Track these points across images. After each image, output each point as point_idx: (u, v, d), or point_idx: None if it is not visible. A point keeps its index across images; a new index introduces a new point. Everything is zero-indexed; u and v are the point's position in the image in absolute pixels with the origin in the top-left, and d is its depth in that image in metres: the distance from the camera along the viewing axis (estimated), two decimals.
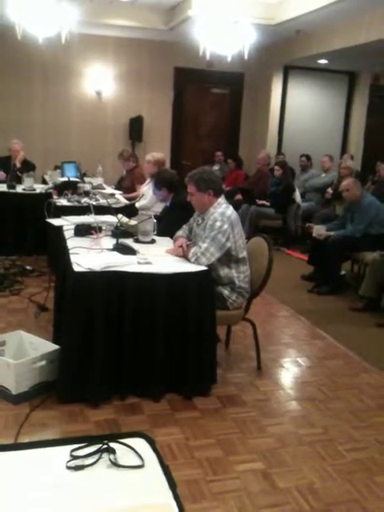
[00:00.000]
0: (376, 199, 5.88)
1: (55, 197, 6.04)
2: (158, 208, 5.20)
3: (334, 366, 4.03)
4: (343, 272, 6.12)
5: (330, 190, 7.84)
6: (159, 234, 4.10)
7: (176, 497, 1.30)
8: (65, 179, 6.61)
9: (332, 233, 5.82)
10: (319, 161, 8.78)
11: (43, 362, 3.23)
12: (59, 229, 4.31)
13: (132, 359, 3.21)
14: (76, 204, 5.72)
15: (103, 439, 1.49)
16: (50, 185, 6.69)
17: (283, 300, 5.46)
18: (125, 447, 1.48)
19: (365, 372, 3.95)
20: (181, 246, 3.62)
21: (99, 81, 9.71)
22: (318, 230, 5.97)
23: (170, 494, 1.32)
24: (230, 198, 6.13)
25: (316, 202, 8.32)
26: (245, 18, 6.42)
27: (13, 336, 3.57)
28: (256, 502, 2.47)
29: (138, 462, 1.42)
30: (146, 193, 5.78)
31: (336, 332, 4.65)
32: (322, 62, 9.40)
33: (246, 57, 6.33)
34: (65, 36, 5.98)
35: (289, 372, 3.93)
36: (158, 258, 3.52)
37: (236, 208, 4.22)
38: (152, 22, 8.67)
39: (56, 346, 3.34)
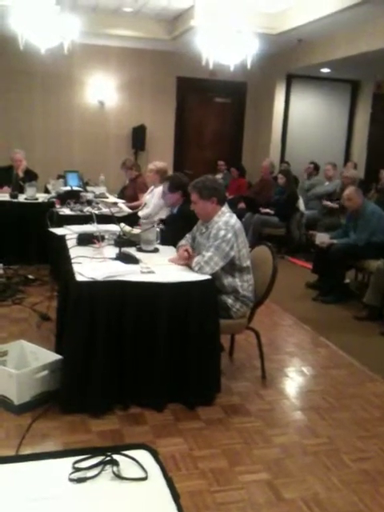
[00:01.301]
0: (378, 207, 5.86)
1: (58, 206, 6.05)
2: (162, 216, 5.18)
3: (339, 375, 4.00)
4: (347, 280, 6.10)
5: (329, 204, 7.82)
6: (162, 243, 4.08)
7: (179, 509, 1.28)
8: (68, 188, 6.62)
9: (335, 241, 5.80)
10: (323, 169, 8.79)
11: (45, 372, 3.21)
12: (62, 238, 4.31)
13: (135, 369, 3.18)
14: (79, 213, 5.72)
15: (106, 451, 1.47)
16: (53, 194, 6.69)
17: (287, 308, 5.44)
18: (128, 459, 1.45)
19: (370, 381, 3.91)
20: (186, 250, 3.59)
21: (102, 90, 9.77)
22: (321, 238, 5.95)
23: (173, 506, 1.29)
24: (233, 207, 6.11)
25: (319, 210, 8.30)
26: (247, 27, 6.44)
27: (15, 346, 3.55)
28: None
29: (141, 474, 1.40)
30: (149, 201, 5.78)
31: (340, 341, 4.62)
32: (325, 70, 9.43)
33: (248, 66, 6.35)
34: (67, 46, 6.00)
35: (293, 381, 3.90)
36: (161, 267, 3.51)
37: (239, 217, 4.21)
38: (155, 32, 8.71)
39: (58, 356, 3.32)
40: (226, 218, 3.58)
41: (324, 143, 10.36)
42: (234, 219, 3.60)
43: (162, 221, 4.67)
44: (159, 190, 5.26)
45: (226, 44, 6.34)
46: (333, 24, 7.17)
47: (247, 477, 2.69)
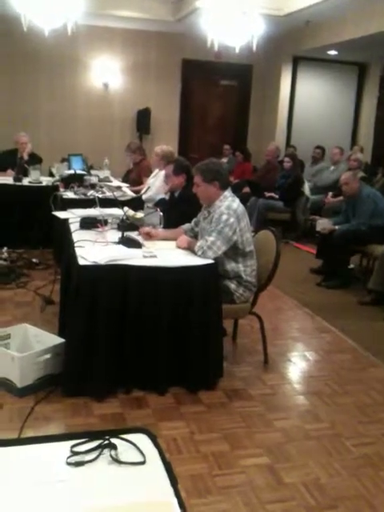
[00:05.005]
0: (374, 191, 5.85)
1: (62, 189, 6.03)
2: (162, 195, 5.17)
3: (342, 360, 3.99)
4: (352, 265, 6.07)
5: (332, 200, 7.72)
6: (166, 227, 4.06)
7: (177, 494, 1.28)
8: (71, 172, 6.59)
9: (336, 227, 5.77)
10: (329, 153, 8.71)
11: (48, 355, 3.21)
12: (65, 222, 4.30)
13: (137, 353, 3.18)
14: (82, 197, 5.69)
15: (104, 435, 1.46)
16: (57, 177, 6.67)
17: (291, 293, 5.42)
18: (126, 443, 1.45)
19: (373, 366, 3.91)
20: (148, 233, 3.76)
21: (106, 73, 9.66)
22: (322, 224, 5.92)
23: (171, 491, 1.29)
24: (237, 191, 6.08)
25: (325, 195, 8.22)
26: (253, 8, 6.34)
27: (18, 329, 3.55)
28: (262, 496, 2.44)
29: (139, 458, 1.40)
30: (153, 185, 5.74)
31: (344, 326, 4.61)
32: (332, 53, 9.32)
33: (254, 48, 6.27)
34: (71, 28, 5.92)
35: (296, 366, 3.90)
36: (164, 251, 3.50)
37: (244, 201, 4.18)
38: (159, 13, 8.60)
39: (61, 339, 3.33)
40: (228, 203, 3.55)
41: (330, 127, 10.26)
42: (236, 203, 3.57)
43: (162, 202, 4.65)
44: (163, 173, 5.23)
45: (231, 26, 6.26)
46: (340, 5, 7.07)
47: (248, 461, 2.70)
